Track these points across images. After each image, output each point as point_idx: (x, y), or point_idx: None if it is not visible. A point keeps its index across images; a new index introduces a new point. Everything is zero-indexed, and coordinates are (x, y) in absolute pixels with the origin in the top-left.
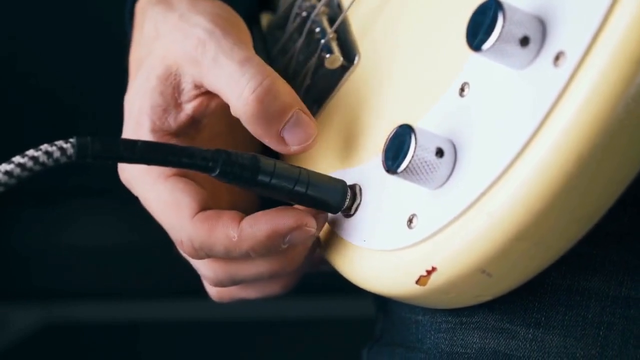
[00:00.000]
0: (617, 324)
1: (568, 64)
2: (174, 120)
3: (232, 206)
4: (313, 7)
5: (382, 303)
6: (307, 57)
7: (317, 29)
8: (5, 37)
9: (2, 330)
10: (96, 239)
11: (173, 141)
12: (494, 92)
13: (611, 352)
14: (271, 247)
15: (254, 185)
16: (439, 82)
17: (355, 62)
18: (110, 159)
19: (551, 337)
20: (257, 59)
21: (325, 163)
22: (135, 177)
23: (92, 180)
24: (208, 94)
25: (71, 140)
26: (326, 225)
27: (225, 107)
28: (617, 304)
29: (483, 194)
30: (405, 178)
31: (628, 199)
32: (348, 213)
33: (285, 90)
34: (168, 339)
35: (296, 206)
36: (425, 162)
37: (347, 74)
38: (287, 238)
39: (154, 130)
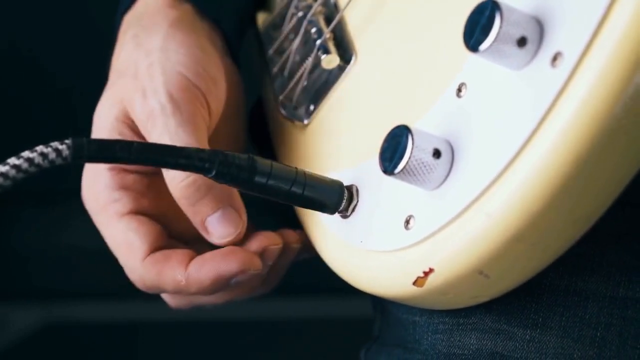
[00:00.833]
0: (615, 325)
1: (566, 65)
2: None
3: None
4: (309, 7)
5: (380, 303)
6: (303, 57)
7: (314, 29)
8: (5, 37)
9: (2, 330)
10: (96, 239)
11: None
12: (492, 93)
13: (609, 352)
14: (217, 289)
15: (251, 187)
16: (436, 83)
17: (352, 62)
18: (106, 160)
19: (549, 338)
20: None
21: (322, 164)
22: (91, 210)
23: None
24: None
25: (67, 141)
26: (323, 226)
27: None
28: (614, 305)
29: (481, 194)
30: (402, 179)
31: (626, 199)
32: (345, 214)
33: (218, 185)
34: (168, 339)
35: (246, 245)
36: (422, 163)
37: (344, 74)
38: (233, 280)
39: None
